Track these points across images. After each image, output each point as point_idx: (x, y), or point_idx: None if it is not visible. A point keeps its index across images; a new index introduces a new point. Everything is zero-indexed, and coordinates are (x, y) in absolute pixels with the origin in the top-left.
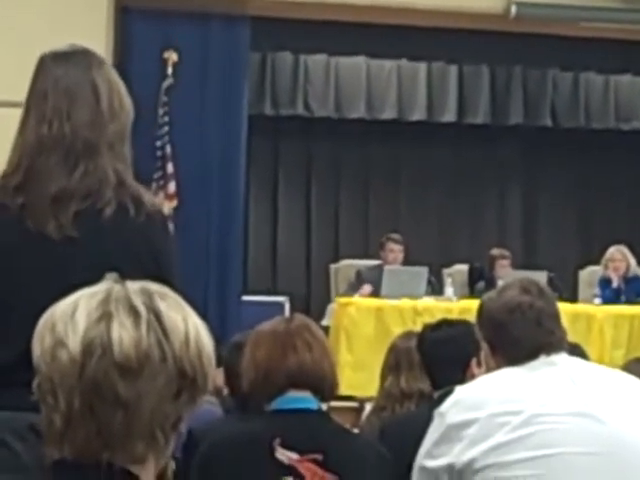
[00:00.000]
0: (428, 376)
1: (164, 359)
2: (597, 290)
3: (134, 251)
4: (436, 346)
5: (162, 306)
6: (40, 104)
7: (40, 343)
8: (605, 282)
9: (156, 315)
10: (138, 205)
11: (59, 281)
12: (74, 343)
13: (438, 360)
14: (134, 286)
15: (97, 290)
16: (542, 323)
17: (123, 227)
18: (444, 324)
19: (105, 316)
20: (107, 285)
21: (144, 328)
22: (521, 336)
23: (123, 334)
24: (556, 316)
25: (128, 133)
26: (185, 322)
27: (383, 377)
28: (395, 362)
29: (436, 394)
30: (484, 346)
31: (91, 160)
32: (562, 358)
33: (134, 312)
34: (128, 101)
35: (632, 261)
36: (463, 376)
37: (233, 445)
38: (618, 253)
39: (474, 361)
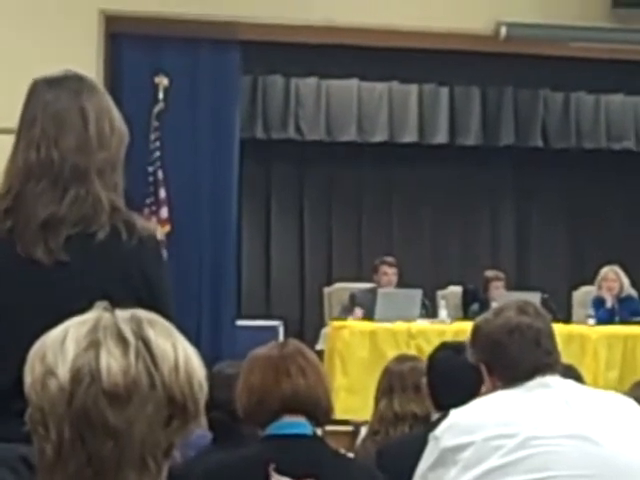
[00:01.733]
0: (432, 397)
1: (153, 386)
2: (591, 310)
3: (126, 275)
4: (452, 369)
5: (151, 333)
6: (29, 129)
7: (31, 372)
8: (599, 302)
9: (145, 342)
10: (130, 229)
11: (51, 306)
12: (63, 372)
13: (450, 383)
14: (123, 314)
15: (86, 318)
16: (541, 343)
17: (115, 251)
18: (464, 346)
19: (93, 344)
20: (96, 313)
21: (132, 356)
22: (520, 356)
23: (111, 362)
24: (553, 337)
25: (120, 161)
26: (175, 349)
27: (377, 401)
28: (388, 385)
29: (434, 417)
30: (482, 368)
31: (81, 186)
32: (556, 380)
33: (122, 340)
34: (121, 128)
35: (625, 281)
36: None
37: (228, 471)
38: (612, 273)
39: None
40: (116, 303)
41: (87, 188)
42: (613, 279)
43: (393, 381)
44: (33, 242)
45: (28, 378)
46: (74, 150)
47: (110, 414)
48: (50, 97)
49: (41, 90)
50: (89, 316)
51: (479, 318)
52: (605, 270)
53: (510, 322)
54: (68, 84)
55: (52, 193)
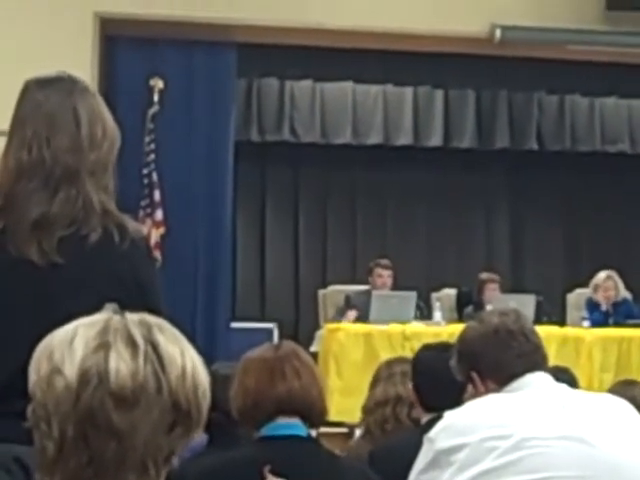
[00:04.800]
0: (420, 399)
1: (160, 391)
2: (585, 313)
3: (119, 277)
4: (435, 368)
5: (160, 338)
6: (21, 129)
7: (37, 370)
8: (593, 305)
9: (154, 347)
10: (123, 232)
11: (44, 307)
12: (70, 371)
13: (436, 382)
14: (133, 317)
15: (96, 320)
16: (529, 338)
17: (108, 253)
18: (444, 346)
19: (103, 346)
20: (106, 315)
21: (141, 359)
22: (510, 352)
23: (120, 364)
24: (538, 335)
25: (111, 163)
26: (182, 355)
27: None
28: (374, 379)
29: (424, 419)
30: (473, 376)
31: (72, 186)
32: (550, 382)
33: (132, 343)
34: (113, 131)
35: (621, 285)
36: (458, 400)
37: (222, 473)
38: (610, 281)
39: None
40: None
41: (78, 188)
42: (610, 287)
43: (379, 372)
44: (26, 243)
45: (33, 376)
46: (66, 150)
47: (115, 416)
48: (41, 97)
49: (32, 91)
50: (99, 317)
51: (465, 328)
52: (602, 276)
53: (494, 324)
54: (60, 85)
55: (43, 193)
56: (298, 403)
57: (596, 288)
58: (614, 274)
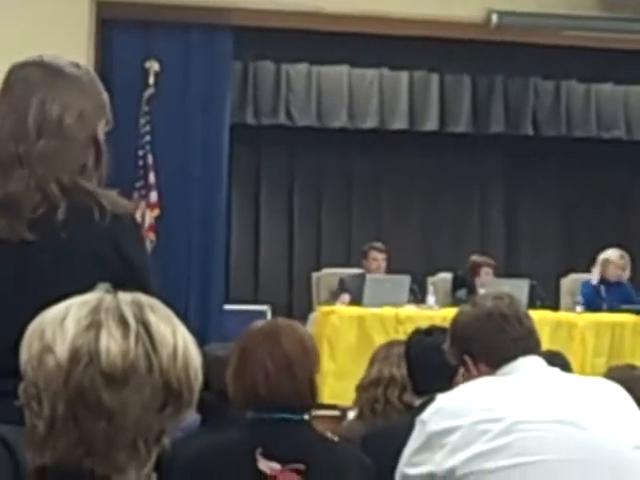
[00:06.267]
0: (412, 382)
1: (151, 371)
2: (579, 297)
3: (99, 254)
4: (427, 352)
5: (152, 318)
6: None
7: (28, 348)
8: (589, 287)
9: (145, 327)
10: (102, 208)
11: (31, 287)
12: (61, 349)
13: (427, 366)
14: (125, 297)
15: (88, 299)
16: (522, 321)
17: (87, 232)
18: (436, 330)
19: (94, 325)
20: (98, 294)
21: (132, 339)
22: (504, 336)
23: (111, 343)
24: (532, 319)
25: (83, 143)
26: (174, 335)
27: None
28: (372, 359)
29: (417, 402)
30: (466, 359)
31: (22, 169)
32: (542, 366)
33: (123, 322)
34: (83, 112)
35: None
36: (449, 384)
37: (214, 455)
38: (623, 260)
39: (462, 370)
40: (89, 282)
41: (30, 171)
42: (622, 267)
43: (377, 353)
44: None
45: (25, 354)
46: (8, 136)
47: (106, 395)
48: (12, 80)
49: (9, 74)
50: (91, 297)
51: (458, 312)
52: (616, 254)
53: (488, 307)
54: (28, 70)
55: None
56: None
57: (605, 263)
58: (626, 254)
